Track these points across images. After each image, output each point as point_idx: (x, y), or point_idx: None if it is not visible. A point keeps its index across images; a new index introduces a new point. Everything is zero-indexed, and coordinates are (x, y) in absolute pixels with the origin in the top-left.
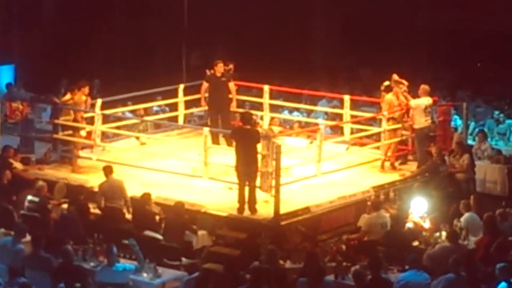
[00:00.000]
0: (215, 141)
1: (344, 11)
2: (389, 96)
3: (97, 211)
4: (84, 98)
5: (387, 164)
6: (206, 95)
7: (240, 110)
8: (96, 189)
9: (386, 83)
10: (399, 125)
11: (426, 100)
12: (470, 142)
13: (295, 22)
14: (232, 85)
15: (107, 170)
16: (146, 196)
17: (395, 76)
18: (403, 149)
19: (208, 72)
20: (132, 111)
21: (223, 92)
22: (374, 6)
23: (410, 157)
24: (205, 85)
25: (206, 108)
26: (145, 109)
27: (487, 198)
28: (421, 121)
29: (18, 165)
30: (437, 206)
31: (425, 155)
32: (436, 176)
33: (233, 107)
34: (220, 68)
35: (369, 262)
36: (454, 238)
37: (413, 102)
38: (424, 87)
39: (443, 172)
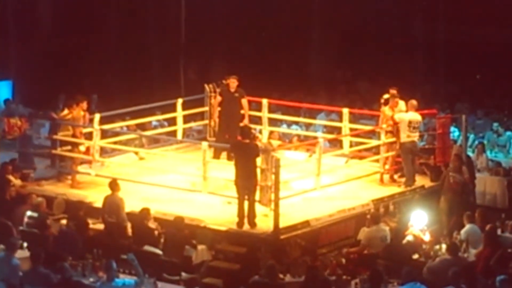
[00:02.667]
0: (217, 155)
1: (341, 24)
2: (385, 109)
3: (97, 226)
4: (82, 113)
5: (386, 177)
6: (219, 108)
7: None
8: (95, 205)
9: (386, 96)
10: (394, 139)
11: (411, 115)
12: (469, 154)
13: (292, 35)
14: (245, 101)
15: (113, 186)
16: (145, 211)
17: (392, 90)
18: (400, 162)
19: (207, 87)
20: (127, 126)
21: (235, 108)
22: (372, 19)
23: None
24: (218, 98)
25: (206, 122)
26: (141, 124)
27: (487, 211)
28: (403, 136)
29: (16, 181)
30: (437, 218)
31: (410, 169)
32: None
33: (245, 123)
34: (234, 83)
35: (370, 276)
36: (454, 251)
37: (397, 116)
38: (411, 102)
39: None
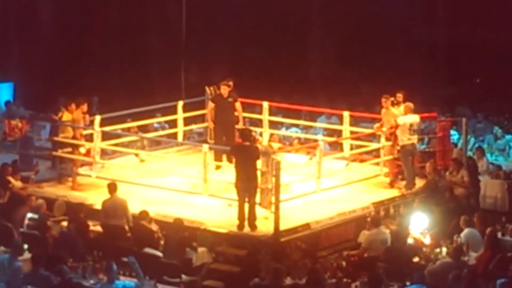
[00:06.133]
0: (218, 159)
1: (342, 27)
2: (392, 109)
3: (97, 228)
4: (81, 115)
5: (387, 179)
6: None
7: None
8: (96, 207)
9: (391, 99)
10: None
11: (412, 118)
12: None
13: (293, 38)
14: (238, 105)
15: (111, 188)
16: (143, 214)
17: (399, 94)
18: (399, 165)
19: (208, 90)
20: (128, 128)
21: (229, 113)
22: (372, 22)
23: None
24: (211, 105)
25: (207, 125)
26: (141, 126)
27: (487, 214)
28: (403, 139)
29: (17, 183)
30: (438, 222)
31: (410, 171)
32: (435, 193)
33: (239, 125)
34: (225, 89)
35: (369, 279)
36: (457, 254)
37: (401, 119)
38: (408, 104)
39: (442, 187)
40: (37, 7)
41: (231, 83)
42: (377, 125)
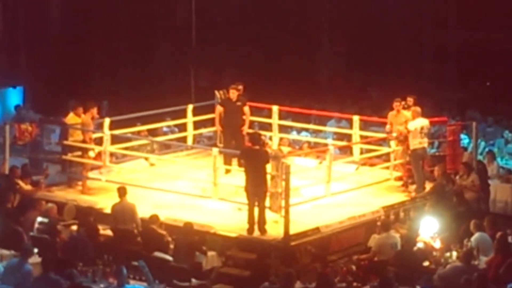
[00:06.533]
0: (227, 163)
1: (351, 31)
2: (404, 112)
3: (107, 232)
4: (91, 119)
5: (397, 183)
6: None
7: (249, 130)
8: (105, 211)
9: (402, 103)
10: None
11: (421, 121)
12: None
13: (302, 42)
14: (247, 108)
15: (121, 192)
16: (154, 218)
17: (410, 98)
18: (410, 169)
19: (217, 94)
20: (138, 132)
21: (238, 117)
22: (381, 26)
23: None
24: (220, 109)
25: (216, 129)
26: (151, 130)
27: (498, 218)
28: (414, 143)
29: (26, 187)
30: (448, 226)
31: (420, 175)
32: (443, 197)
33: (245, 129)
34: (234, 93)
35: (379, 283)
36: (467, 258)
37: (412, 125)
38: (415, 109)
39: (449, 192)
40: (45, 11)
41: (240, 87)
42: (388, 126)
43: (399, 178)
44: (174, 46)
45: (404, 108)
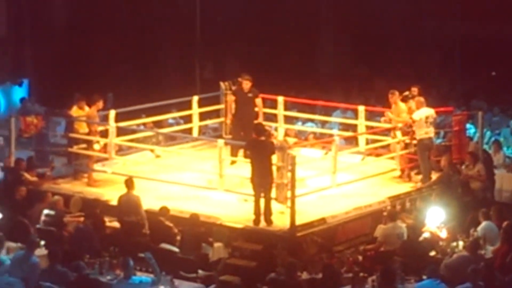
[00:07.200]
0: (234, 154)
1: (355, 22)
2: (401, 104)
3: (113, 224)
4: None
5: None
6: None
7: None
8: (112, 203)
9: (406, 93)
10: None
11: (426, 111)
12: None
13: (307, 33)
14: (259, 100)
15: (128, 184)
16: (164, 210)
17: (414, 88)
18: (415, 159)
19: (222, 85)
20: (143, 124)
21: (249, 108)
22: (386, 16)
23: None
24: (232, 98)
25: (222, 120)
26: (157, 122)
27: (504, 207)
28: (421, 133)
29: (32, 178)
30: (454, 215)
31: (427, 166)
32: (449, 187)
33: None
34: (247, 83)
35: (381, 273)
36: (474, 248)
37: (417, 115)
38: (419, 99)
39: (455, 182)
40: (50, 6)
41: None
42: (384, 118)
43: (401, 170)
44: (179, 38)
45: (408, 98)
